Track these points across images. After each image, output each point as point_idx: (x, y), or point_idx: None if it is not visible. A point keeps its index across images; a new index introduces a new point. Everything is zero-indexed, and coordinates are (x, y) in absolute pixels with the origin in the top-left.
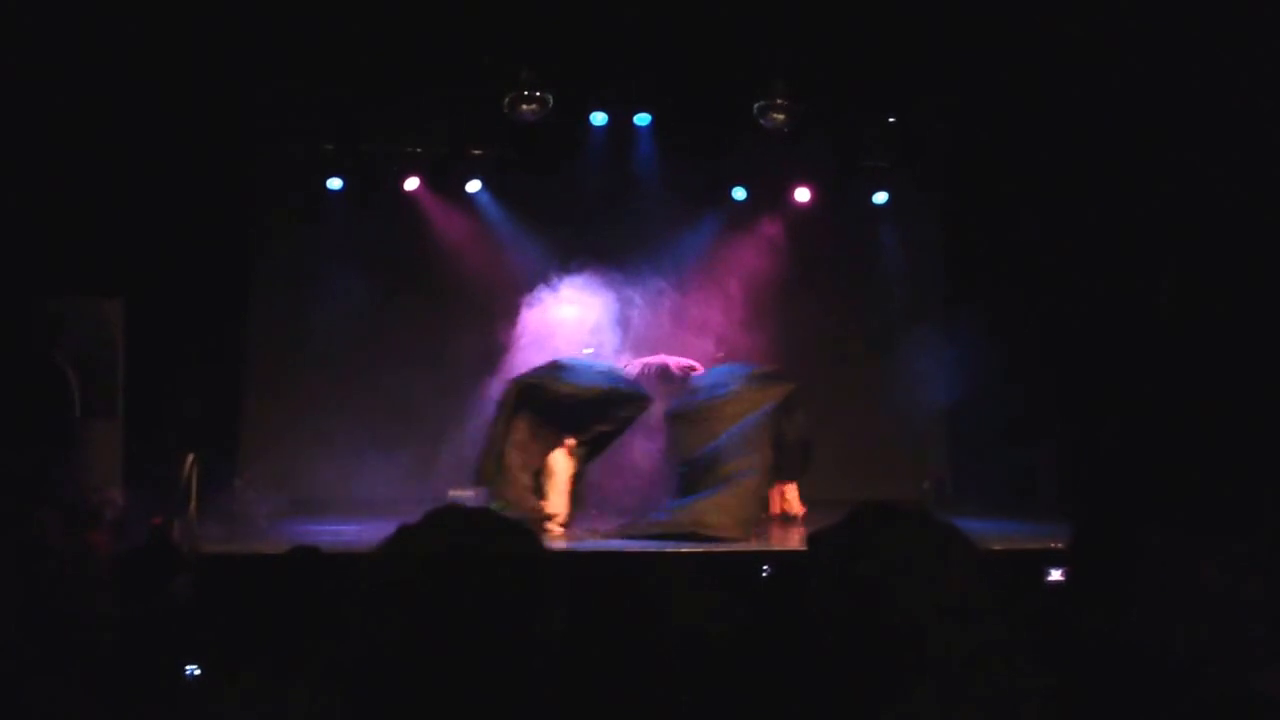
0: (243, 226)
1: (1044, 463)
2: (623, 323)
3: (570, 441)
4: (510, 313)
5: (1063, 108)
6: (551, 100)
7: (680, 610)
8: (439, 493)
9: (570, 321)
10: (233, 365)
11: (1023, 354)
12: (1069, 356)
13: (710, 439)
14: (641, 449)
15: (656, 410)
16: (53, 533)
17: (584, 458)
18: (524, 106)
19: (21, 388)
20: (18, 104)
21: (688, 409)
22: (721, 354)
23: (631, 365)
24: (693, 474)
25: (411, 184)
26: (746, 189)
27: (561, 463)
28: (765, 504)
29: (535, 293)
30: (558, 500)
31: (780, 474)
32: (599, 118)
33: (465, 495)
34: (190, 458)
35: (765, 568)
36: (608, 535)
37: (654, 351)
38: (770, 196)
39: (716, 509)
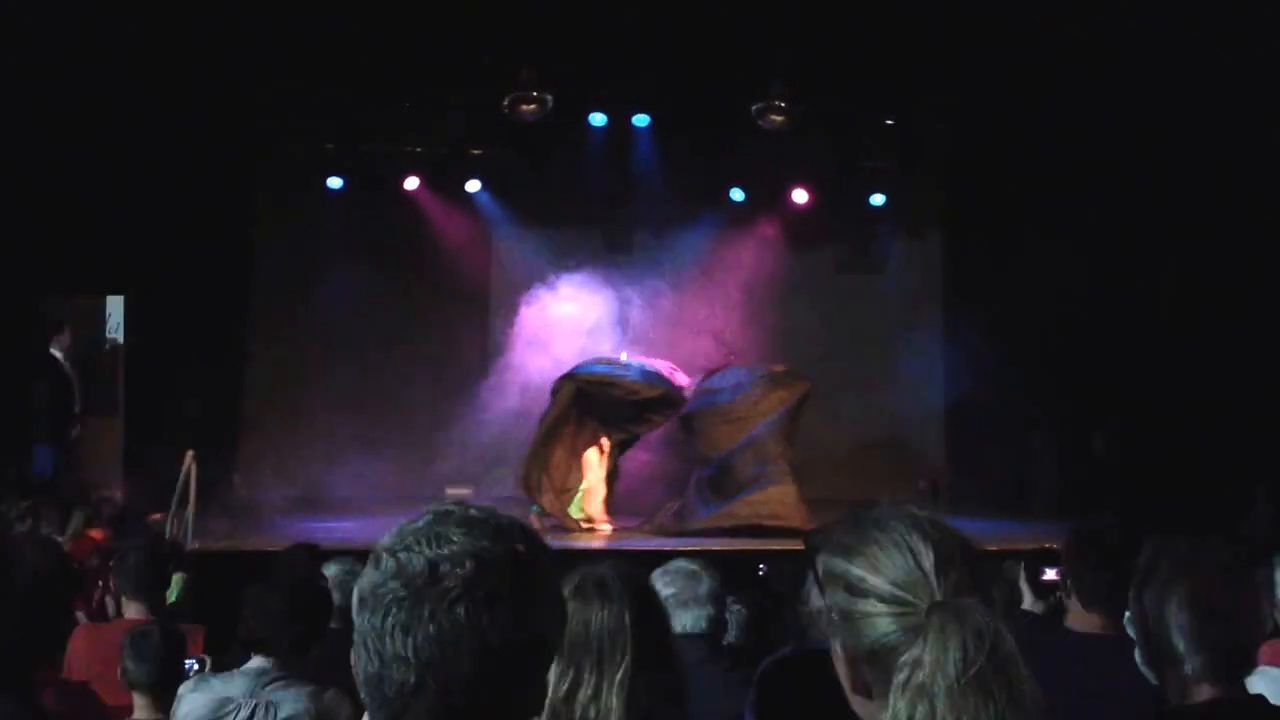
0: (243, 226)
1: (1040, 463)
2: (621, 322)
3: (605, 441)
4: (509, 312)
5: (1061, 108)
6: (551, 101)
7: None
8: (437, 490)
9: (569, 321)
10: (232, 363)
11: (1020, 355)
12: (1066, 357)
13: (739, 437)
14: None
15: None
16: (53, 529)
17: (616, 457)
18: (524, 107)
19: (22, 385)
20: (18, 104)
21: (712, 409)
22: (733, 355)
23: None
24: (723, 473)
25: (411, 184)
26: (745, 190)
27: (596, 462)
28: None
29: (534, 292)
30: (595, 501)
31: None
32: (598, 118)
33: (463, 493)
34: (190, 455)
35: (761, 566)
36: (665, 533)
37: (652, 351)
38: (768, 197)
39: (780, 499)
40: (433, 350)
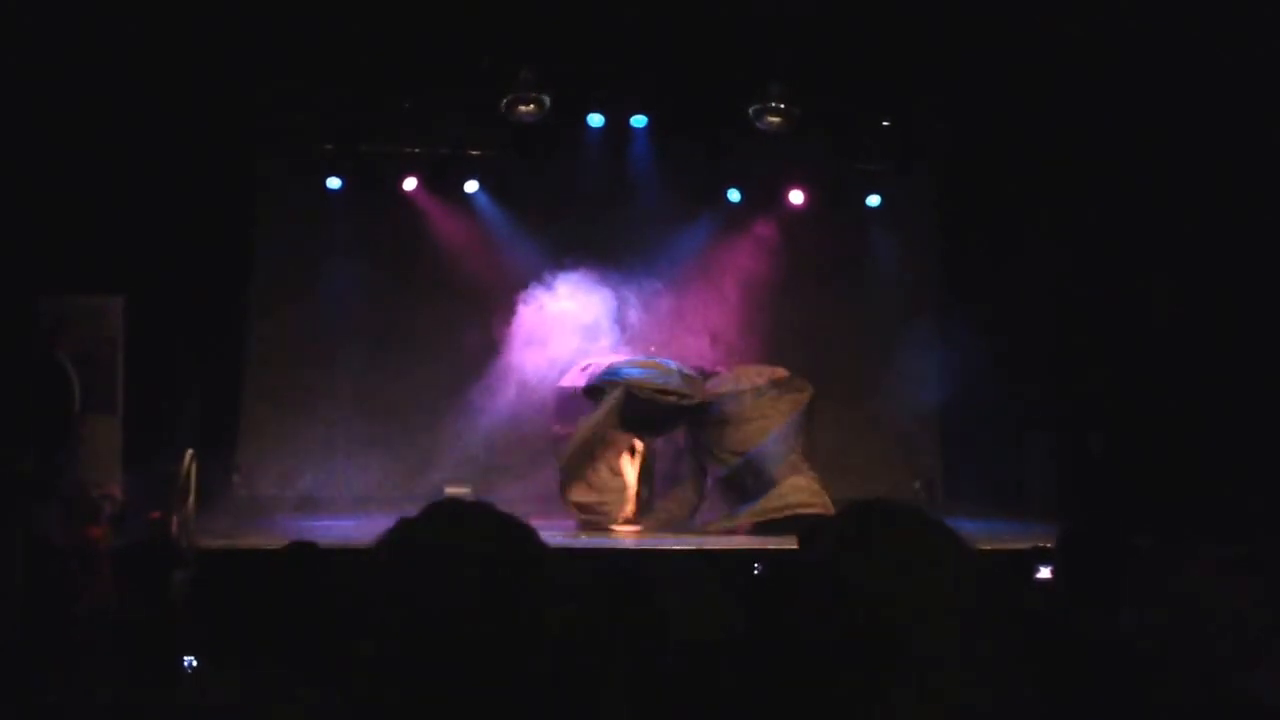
0: (243, 226)
1: (1035, 464)
2: (619, 322)
3: (638, 444)
4: (507, 311)
5: (1058, 109)
6: (549, 102)
7: (681, 609)
8: (436, 489)
9: (567, 321)
10: (232, 362)
11: (1016, 354)
12: (1062, 357)
13: (755, 440)
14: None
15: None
16: (53, 528)
17: (649, 459)
18: (522, 108)
19: (22, 385)
20: (18, 104)
21: (722, 413)
22: (735, 357)
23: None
24: (746, 475)
25: (410, 184)
26: (741, 190)
27: (628, 463)
28: None
29: (532, 291)
30: (630, 502)
31: None
32: (596, 119)
33: (462, 491)
34: (189, 453)
35: (756, 565)
36: (705, 531)
37: (649, 350)
38: (764, 198)
39: (807, 488)
40: (431, 350)
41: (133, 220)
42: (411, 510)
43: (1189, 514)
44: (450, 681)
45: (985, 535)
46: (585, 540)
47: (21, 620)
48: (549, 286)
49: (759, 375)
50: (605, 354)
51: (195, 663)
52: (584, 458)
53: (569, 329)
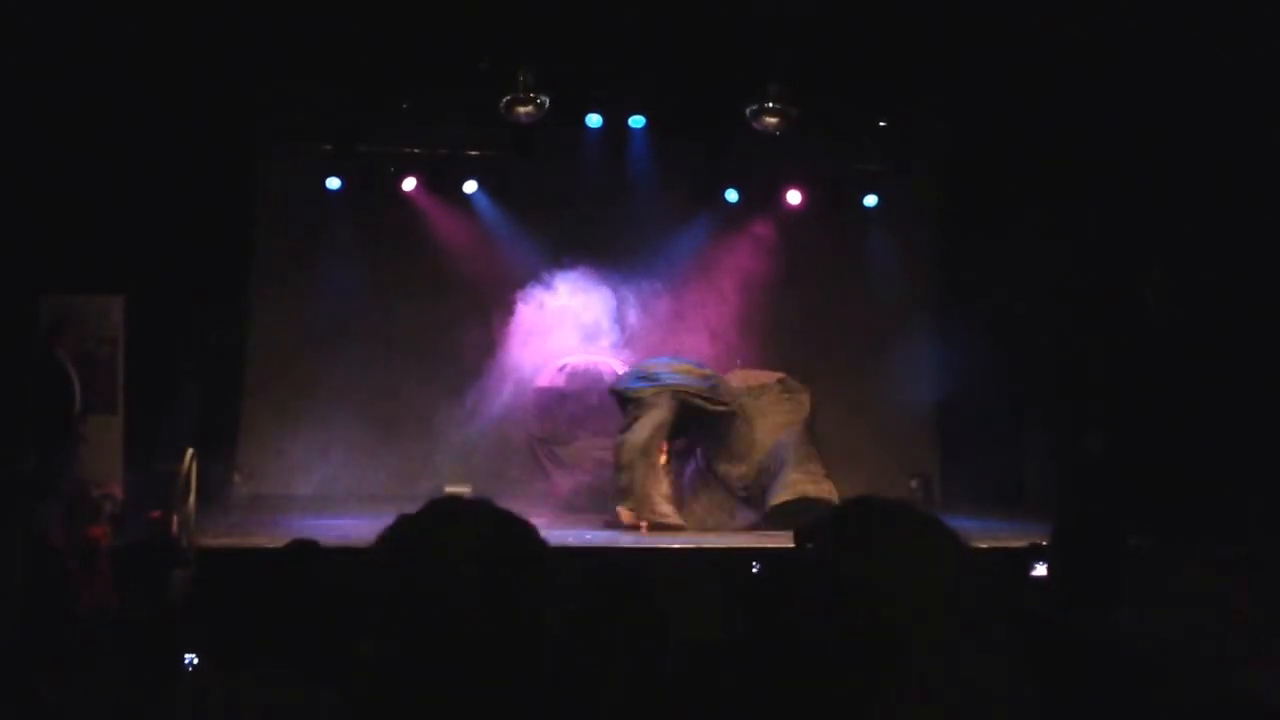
0: (243, 226)
1: (1031, 463)
2: (617, 321)
3: (665, 444)
4: (506, 312)
5: (1057, 109)
6: (547, 102)
7: (681, 609)
8: (436, 488)
9: (566, 321)
10: (232, 362)
11: (1013, 354)
12: (1060, 357)
13: (762, 443)
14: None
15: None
16: (54, 527)
17: (677, 460)
18: (520, 109)
19: (23, 384)
20: (18, 104)
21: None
22: (734, 357)
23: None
24: (759, 473)
25: (409, 184)
26: (739, 191)
27: (662, 466)
28: None
29: (530, 291)
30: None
31: None
32: (594, 120)
33: (462, 490)
34: (189, 453)
35: (754, 564)
36: (739, 529)
37: (648, 350)
38: (762, 198)
39: (812, 476)
40: (431, 349)
41: (133, 220)
42: (412, 509)
43: (1188, 514)
44: (450, 681)
45: (982, 534)
46: (586, 540)
47: (21, 620)
48: (548, 286)
49: (757, 378)
50: (588, 354)
51: (196, 661)
52: (645, 464)
53: (568, 329)
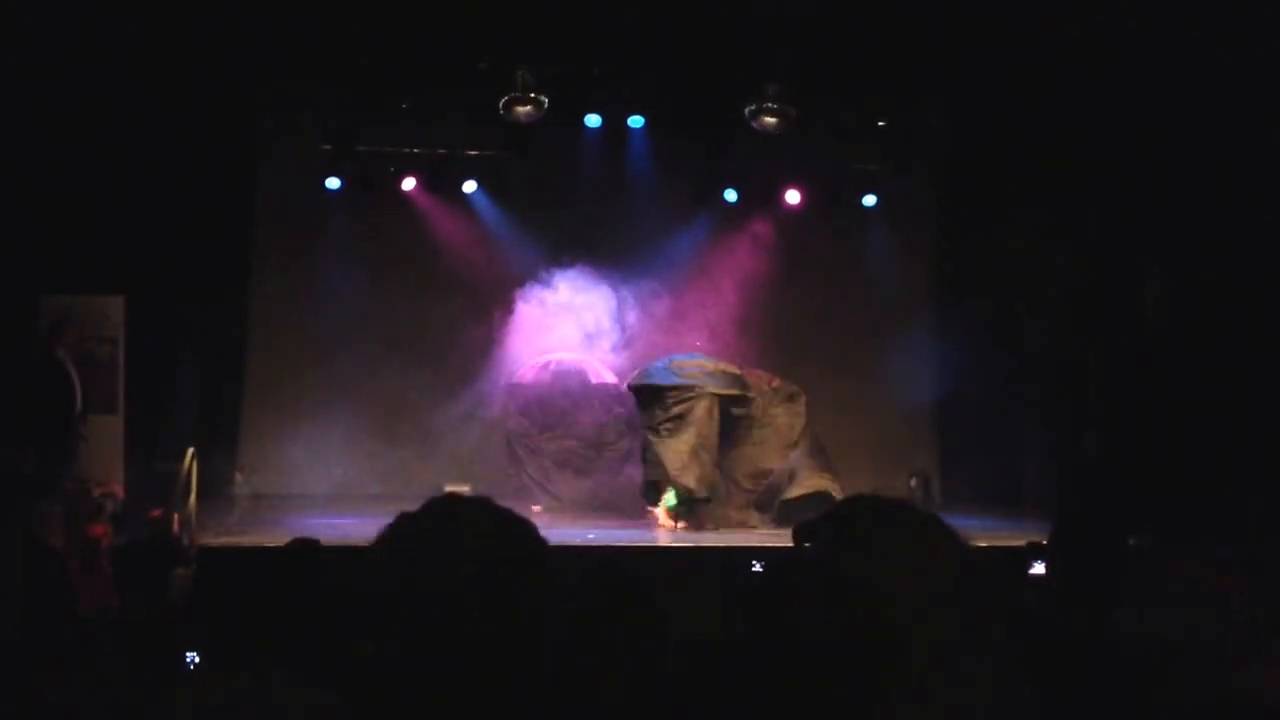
0: (243, 226)
1: (1031, 462)
2: (617, 321)
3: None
4: (505, 311)
5: (1057, 109)
6: (546, 102)
7: (681, 608)
8: (436, 487)
9: (565, 320)
10: (232, 361)
11: (1011, 353)
12: (1059, 357)
13: (764, 449)
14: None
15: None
16: (54, 527)
17: None
18: (519, 109)
19: (23, 384)
20: (18, 104)
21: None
22: (733, 356)
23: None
24: (766, 485)
25: (409, 184)
26: (738, 190)
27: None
28: None
29: (530, 291)
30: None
31: None
32: (593, 119)
33: (461, 489)
34: (190, 452)
35: (754, 563)
36: (752, 528)
37: (648, 349)
38: (761, 198)
39: (822, 476)
40: (430, 349)
41: (133, 220)
42: (412, 507)
43: (1188, 514)
44: (450, 681)
45: (982, 533)
46: (587, 540)
47: (21, 620)
48: (547, 285)
49: (764, 381)
50: (565, 351)
51: (197, 659)
52: (694, 463)
53: (568, 328)
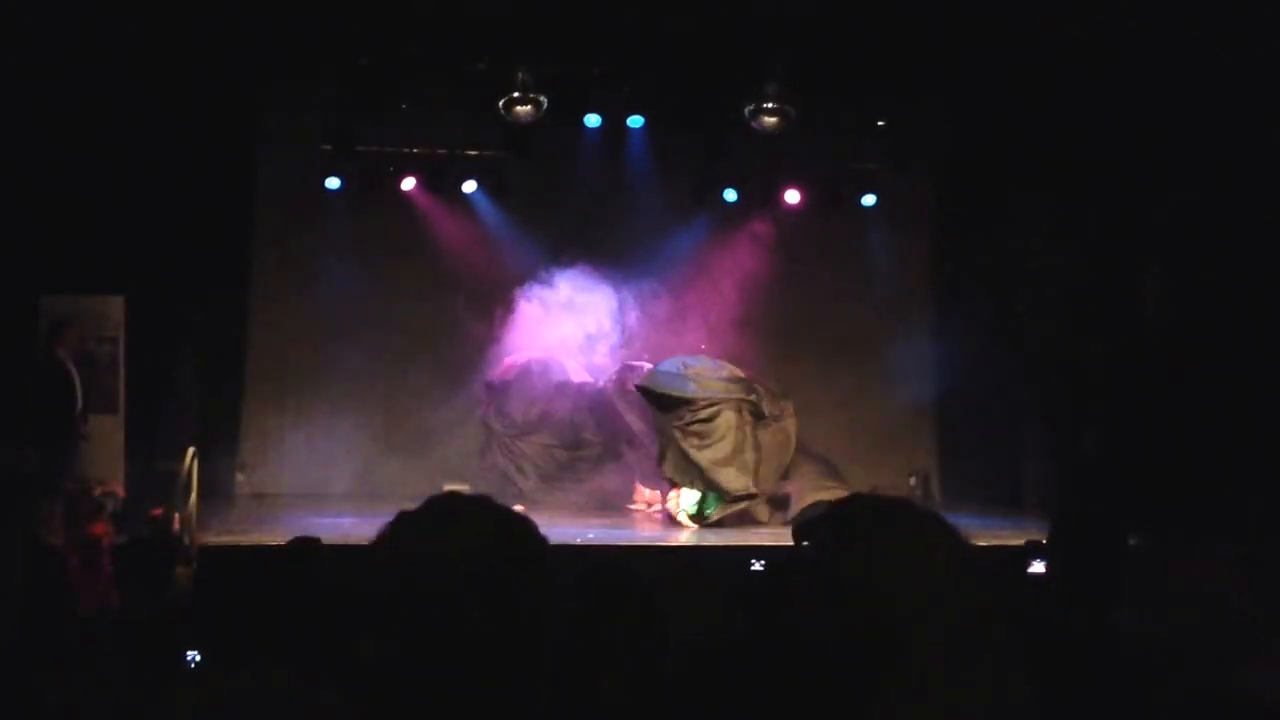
0: (243, 226)
1: (1031, 461)
2: (617, 321)
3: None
4: (505, 311)
5: (1057, 109)
6: (546, 102)
7: (681, 609)
8: (436, 487)
9: (564, 320)
10: (232, 361)
11: (1011, 352)
12: (1058, 357)
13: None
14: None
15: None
16: (55, 526)
17: None
18: (519, 109)
19: (24, 384)
20: (18, 104)
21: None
22: (732, 356)
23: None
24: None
25: (408, 184)
26: (737, 190)
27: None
28: None
29: (529, 292)
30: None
31: None
32: (593, 119)
33: (461, 488)
34: (190, 451)
35: (754, 562)
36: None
37: (648, 350)
38: (761, 198)
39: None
40: (430, 349)
41: (133, 220)
42: (411, 506)
43: (1188, 514)
44: (450, 681)
45: (981, 532)
46: (588, 539)
47: (21, 620)
48: (547, 285)
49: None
50: (540, 350)
51: (197, 658)
52: (739, 459)
53: (568, 328)
